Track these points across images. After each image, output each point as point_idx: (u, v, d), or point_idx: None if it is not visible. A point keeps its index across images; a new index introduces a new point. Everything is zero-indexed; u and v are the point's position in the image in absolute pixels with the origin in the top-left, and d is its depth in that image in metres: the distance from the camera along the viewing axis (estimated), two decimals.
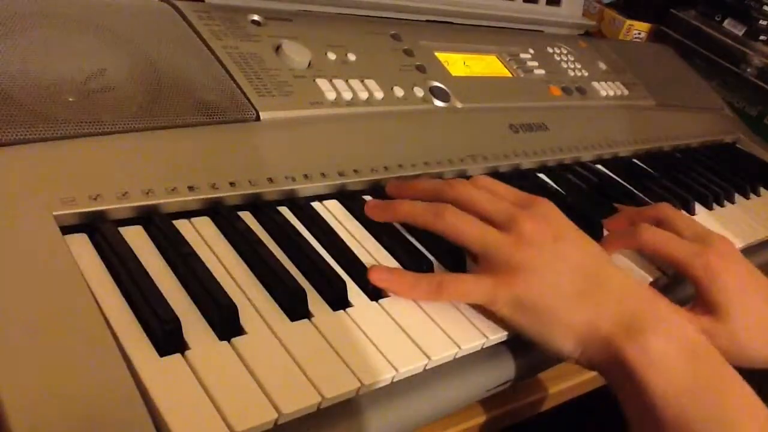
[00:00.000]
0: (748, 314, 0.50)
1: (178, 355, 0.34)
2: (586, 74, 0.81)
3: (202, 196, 0.43)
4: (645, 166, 0.76)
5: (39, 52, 0.44)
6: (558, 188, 0.64)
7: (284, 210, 0.47)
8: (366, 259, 0.45)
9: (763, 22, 1.04)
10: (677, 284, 0.57)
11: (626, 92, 0.83)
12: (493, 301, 0.42)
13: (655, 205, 0.59)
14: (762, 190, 0.82)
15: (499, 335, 0.43)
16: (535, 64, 0.76)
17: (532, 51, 0.78)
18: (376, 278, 0.42)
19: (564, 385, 0.50)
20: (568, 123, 0.72)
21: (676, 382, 0.39)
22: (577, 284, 0.42)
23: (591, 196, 0.64)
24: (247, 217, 0.45)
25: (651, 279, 0.56)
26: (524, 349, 0.46)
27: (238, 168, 0.45)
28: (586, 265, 0.43)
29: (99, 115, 0.43)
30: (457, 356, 0.41)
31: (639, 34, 1.11)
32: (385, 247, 0.47)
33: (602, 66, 0.85)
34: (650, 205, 0.60)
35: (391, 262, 0.46)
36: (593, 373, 0.52)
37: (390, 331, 0.40)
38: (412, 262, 0.46)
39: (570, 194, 0.63)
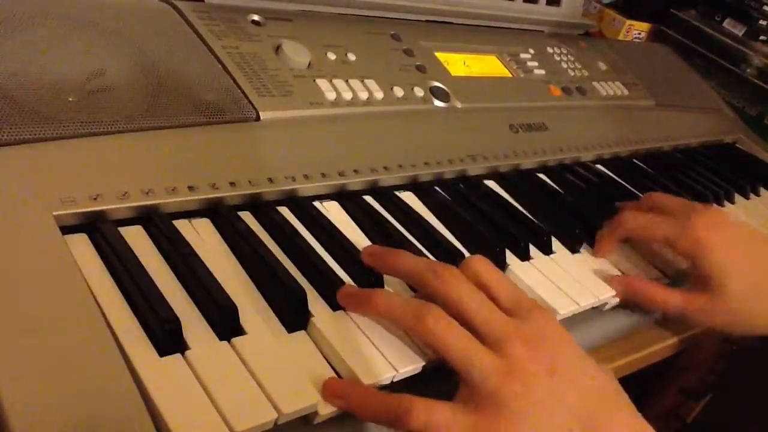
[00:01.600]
0: (743, 282, 0.50)
1: (177, 355, 0.34)
2: (586, 74, 0.81)
3: (202, 196, 0.43)
4: (645, 166, 0.76)
5: (39, 52, 0.44)
6: (558, 188, 0.64)
7: (284, 210, 0.47)
8: None
9: (763, 22, 1.04)
10: (677, 286, 0.57)
11: (626, 92, 0.83)
12: None
13: (644, 196, 0.59)
14: (762, 190, 0.82)
15: None
16: (535, 64, 0.76)
17: (532, 51, 0.78)
18: (328, 391, 0.36)
19: None
20: (568, 123, 0.72)
21: None
22: (571, 429, 0.35)
23: (591, 196, 0.64)
24: (247, 217, 0.45)
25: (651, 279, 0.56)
26: None
27: (238, 168, 0.45)
28: (583, 410, 0.36)
29: (99, 115, 0.43)
30: None
31: (639, 34, 1.11)
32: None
33: (602, 66, 0.85)
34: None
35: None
36: None
37: (390, 332, 0.40)
38: None
39: (570, 194, 0.63)
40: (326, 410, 0.35)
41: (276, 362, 0.35)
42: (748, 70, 1.03)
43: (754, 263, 0.52)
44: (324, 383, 0.36)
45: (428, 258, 0.47)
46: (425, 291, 0.40)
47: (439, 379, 0.38)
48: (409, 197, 0.54)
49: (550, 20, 0.86)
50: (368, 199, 0.52)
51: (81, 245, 0.38)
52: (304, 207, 0.48)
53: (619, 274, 0.55)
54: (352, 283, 0.43)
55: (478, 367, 0.35)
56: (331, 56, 0.58)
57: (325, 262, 0.43)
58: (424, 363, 0.39)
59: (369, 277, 0.43)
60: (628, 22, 1.09)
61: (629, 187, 0.70)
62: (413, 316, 0.37)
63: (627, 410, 0.38)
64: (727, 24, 1.08)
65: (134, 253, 0.38)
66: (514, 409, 0.34)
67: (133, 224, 0.41)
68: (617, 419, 0.37)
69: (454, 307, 0.38)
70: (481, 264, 0.41)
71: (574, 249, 0.55)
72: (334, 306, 0.41)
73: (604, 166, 0.72)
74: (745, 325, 0.51)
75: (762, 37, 1.04)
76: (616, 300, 0.52)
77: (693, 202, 0.56)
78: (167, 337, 0.34)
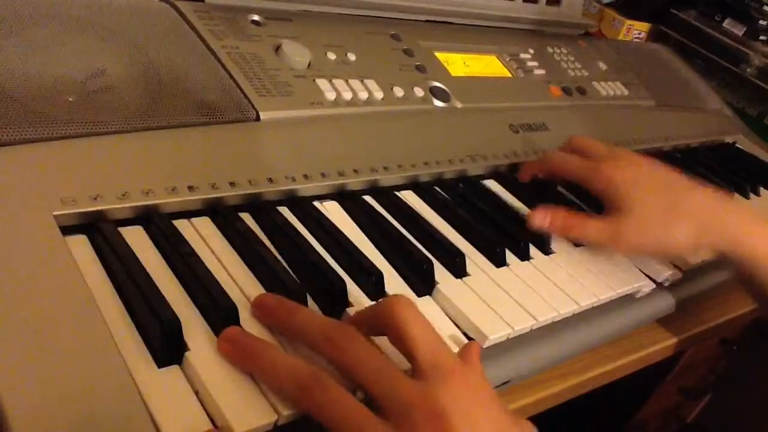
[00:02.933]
0: (651, 204, 0.53)
1: (177, 356, 0.34)
2: (586, 74, 0.81)
3: (202, 196, 0.43)
4: None
5: (39, 52, 0.44)
6: (558, 188, 0.64)
7: (284, 210, 0.47)
8: (366, 260, 0.45)
9: (763, 22, 1.04)
10: (690, 280, 0.59)
11: (626, 92, 0.83)
12: None
13: (568, 139, 0.62)
14: (762, 190, 0.82)
15: (501, 334, 0.43)
16: (535, 64, 0.76)
17: (532, 51, 0.78)
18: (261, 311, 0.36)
19: (564, 385, 0.50)
20: (568, 123, 0.72)
21: None
22: None
23: (591, 196, 0.64)
24: (246, 217, 0.45)
25: (664, 276, 0.56)
26: (524, 349, 0.46)
27: (238, 168, 0.45)
28: None
29: (99, 115, 0.43)
30: None
31: (639, 34, 1.11)
32: (384, 249, 0.47)
33: (602, 66, 0.85)
34: None
35: (390, 262, 0.46)
36: (593, 373, 0.52)
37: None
38: (411, 262, 0.46)
39: (570, 193, 0.63)
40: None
41: None
42: (748, 70, 1.03)
43: (660, 187, 0.54)
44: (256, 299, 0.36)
45: (428, 257, 0.47)
46: (322, 357, 0.34)
47: None
48: (409, 197, 0.54)
49: (550, 20, 0.86)
50: (368, 199, 0.52)
51: (81, 246, 0.38)
52: (304, 207, 0.48)
53: (627, 271, 0.55)
54: (352, 283, 0.43)
55: None
56: (331, 56, 0.58)
57: (325, 261, 0.43)
58: None
59: (370, 277, 0.43)
60: (628, 22, 1.09)
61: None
62: (298, 388, 0.32)
63: None
64: (727, 24, 1.08)
65: (134, 254, 0.38)
66: None
67: (133, 224, 0.41)
68: None
69: (351, 375, 0.33)
70: (401, 310, 0.34)
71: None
72: (334, 305, 0.41)
73: None
74: (667, 242, 0.53)
75: (762, 37, 1.04)
76: (617, 295, 0.52)
77: (611, 146, 0.60)
78: (167, 337, 0.34)
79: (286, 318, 0.36)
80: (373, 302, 0.42)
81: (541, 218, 0.53)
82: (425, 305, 0.44)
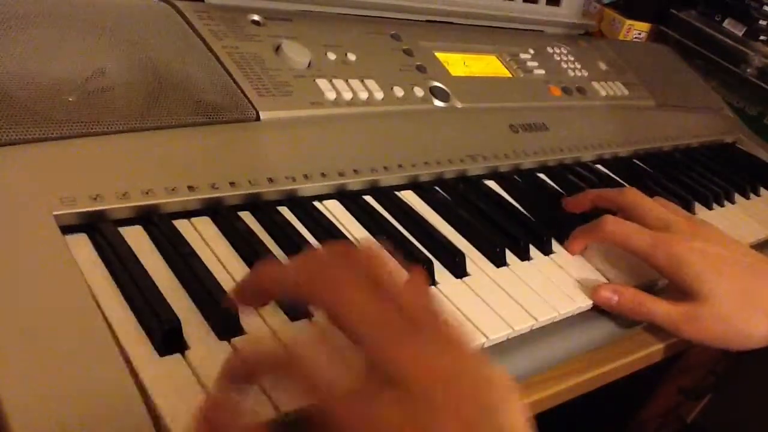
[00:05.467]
0: (728, 290, 0.48)
1: (177, 355, 0.34)
2: (586, 74, 0.81)
3: (202, 196, 0.43)
4: (645, 166, 0.76)
5: (39, 52, 0.44)
6: (558, 188, 0.64)
7: (284, 210, 0.47)
8: None
9: (763, 22, 1.04)
10: None
11: (626, 92, 0.83)
12: None
13: (619, 190, 0.56)
14: (762, 190, 0.82)
15: (501, 334, 0.43)
16: (535, 64, 0.76)
17: (532, 51, 0.78)
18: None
19: (564, 385, 0.50)
20: (568, 123, 0.72)
21: None
22: None
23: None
24: (247, 217, 0.45)
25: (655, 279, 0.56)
26: (524, 348, 0.46)
27: (238, 168, 0.45)
28: None
29: (99, 115, 0.43)
30: None
31: (639, 34, 1.11)
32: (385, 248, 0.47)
33: (602, 66, 0.85)
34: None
35: (390, 262, 0.46)
36: (593, 373, 0.52)
37: None
38: (410, 262, 0.46)
39: (570, 194, 0.63)
40: None
41: None
42: (748, 70, 1.03)
43: (741, 271, 0.50)
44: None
45: (428, 257, 0.46)
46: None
47: None
48: (409, 197, 0.54)
49: (550, 20, 0.86)
50: (368, 199, 0.52)
51: (81, 245, 0.38)
52: (304, 207, 0.48)
53: (627, 271, 0.54)
54: None
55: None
56: (331, 56, 0.58)
57: None
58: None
59: None
60: (628, 22, 1.09)
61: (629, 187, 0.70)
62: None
63: None
64: (727, 24, 1.08)
65: (134, 253, 0.38)
66: None
67: (133, 224, 0.41)
68: None
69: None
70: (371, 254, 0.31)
71: None
72: None
73: (604, 166, 0.72)
74: (741, 336, 0.49)
75: (762, 37, 1.04)
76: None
77: (672, 209, 0.54)
78: (167, 337, 0.34)
79: (254, 279, 0.31)
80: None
81: (608, 296, 0.50)
82: None
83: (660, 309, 0.49)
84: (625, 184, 0.70)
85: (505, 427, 0.27)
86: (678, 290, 0.50)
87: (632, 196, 0.54)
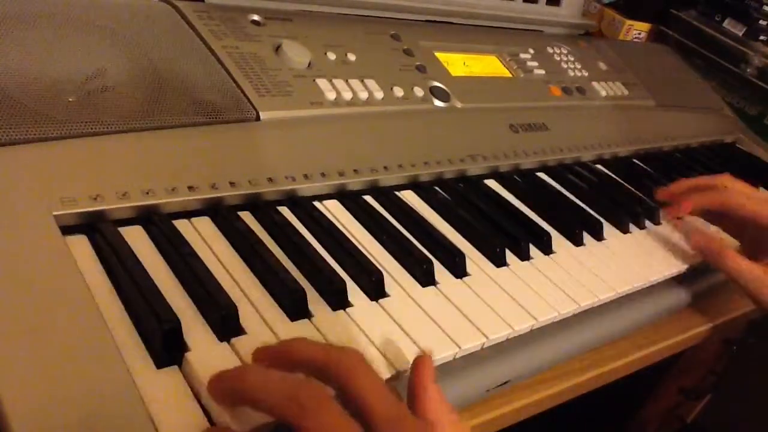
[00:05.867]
0: None
1: (177, 356, 0.34)
2: (586, 74, 0.81)
3: (202, 196, 0.43)
4: (645, 166, 0.76)
5: (39, 52, 0.44)
6: (558, 188, 0.64)
7: (284, 210, 0.47)
8: (366, 260, 0.45)
9: (763, 22, 1.04)
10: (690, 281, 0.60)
11: (626, 92, 0.83)
12: None
13: (714, 176, 0.64)
14: (762, 190, 0.82)
15: (501, 334, 0.43)
16: (535, 64, 0.76)
17: (532, 51, 0.78)
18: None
19: (564, 385, 0.50)
20: (568, 123, 0.72)
21: None
22: None
23: (591, 196, 0.64)
24: (247, 217, 0.45)
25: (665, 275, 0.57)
26: (524, 349, 0.46)
27: (238, 168, 0.45)
28: None
29: (99, 115, 0.43)
30: (456, 356, 0.41)
31: (639, 34, 1.11)
32: (385, 248, 0.47)
33: (602, 66, 0.85)
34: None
35: (391, 262, 0.46)
36: (593, 373, 0.52)
37: (390, 331, 0.40)
38: (411, 262, 0.46)
39: (570, 194, 0.64)
40: None
41: None
42: (748, 70, 1.03)
43: None
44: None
45: (428, 257, 0.47)
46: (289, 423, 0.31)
47: None
48: (409, 197, 0.54)
49: (550, 20, 0.86)
50: (368, 198, 0.52)
51: (81, 246, 0.38)
52: (304, 207, 0.48)
53: (627, 272, 0.55)
54: (352, 283, 0.43)
55: None
56: (331, 56, 0.58)
57: (325, 261, 0.43)
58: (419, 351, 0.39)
59: (370, 277, 0.43)
60: (628, 22, 1.09)
61: (629, 187, 0.70)
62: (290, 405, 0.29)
63: None
64: (727, 24, 1.08)
65: (134, 254, 0.38)
66: None
67: (133, 224, 0.41)
68: None
69: None
70: (354, 367, 0.32)
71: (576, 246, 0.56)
72: (334, 306, 0.41)
73: (604, 166, 0.72)
74: None
75: (762, 37, 1.04)
76: (617, 296, 0.52)
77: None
78: (167, 337, 0.34)
79: (237, 382, 0.31)
80: (374, 302, 0.42)
81: (698, 239, 0.58)
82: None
83: (745, 263, 0.57)
84: (625, 184, 0.70)
85: None
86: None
87: (728, 178, 0.63)
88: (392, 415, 0.31)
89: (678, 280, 0.60)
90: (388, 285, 0.44)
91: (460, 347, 0.41)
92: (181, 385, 0.33)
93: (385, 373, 0.37)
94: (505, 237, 0.53)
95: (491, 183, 0.61)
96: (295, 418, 0.29)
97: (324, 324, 0.39)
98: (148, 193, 0.41)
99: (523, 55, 0.76)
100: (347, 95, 0.56)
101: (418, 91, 0.61)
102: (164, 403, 0.31)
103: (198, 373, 0.33)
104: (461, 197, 0.56)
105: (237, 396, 0.31)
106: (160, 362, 0.33)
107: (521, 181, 0.63)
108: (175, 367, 0.33)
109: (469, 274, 0.48)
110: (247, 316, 0.37)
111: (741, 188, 0.62)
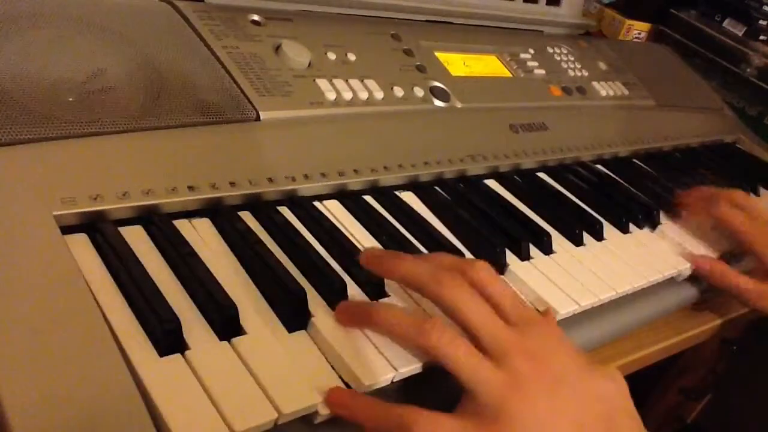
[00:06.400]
0: None
1: (177, 355, 0.34)
2: (586, 74, 0.81)
3: (202, 196, 0.43)
4: (645, 166, 0.76)
5: (39, 52, 0.44)
6: (558, 188, 0.64)
7: (284, 210, 0.47)
8: None
9: (763, 22, 1.04)
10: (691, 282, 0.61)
11: (626, 92, 0.83)
12: None
13: (729, 190, 0.66)
14: (762, 190, 0.82)
15: None
16: (535, 64, 0.76)
17: (532, 51, 0.78)
18: (331, 401, 0.35)
19: None
20: (568, 123, 0.72)
21: None
22: None
23: (591, 196, 0.64)
24: (247, 217, 0.45)
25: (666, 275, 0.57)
26: None
27: (238, 168, 0.45)
28: (589, 425, 0.36)
29: (99, 115, 0.43)
30: None
31: (639, 34, 1.11)
32: (385, 248, 0.47)
33: (602, 66, 0.85)
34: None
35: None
36: None
37: None
38: None
39: (570, 194, 0.64)
40: (326, 410, 0.35)
41: (276, 362, 0.35)
42: (748, 70, 1.03)
43: None
44: (328, 392, 0.35)
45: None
46: (426, 296, 0.39)
47: (438, 378, 0.38)
48: (409, 197, 0.54)
49: (550, 20, 0.86)
50: (368, 198, 0.52)
51: (81, 245, 0.38)
52: (304, 207, 0.48)
53: (627, 271, 0.55)
54: (352, 283, 0.43)
55: (483, 380, 0.35)
56: (331, 56, 0.58)
57: (325, 261, 0.43)
58: (422, 363, 0.39)
59: (370, 277, 0.43)
60: (628, 22, 1.09)
61: (629, 187, 0.70)
62: (416, 332, 0.37)
63: (633, 429, 0.38)
64: (727, 24, 1.08)
65: (134, 253, 0.38)
66: (516, 427, 0.35)
67: (133, 224, 0.41)
68: (614, 427, 0.37)
69: (455, 315, 0.38)
70: (484, 271, 0.40)
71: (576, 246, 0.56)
72: (334, 305, 0.41)
73: (604, 166, 0.72)
74: None
75: (762, 37, 1.04)
76: (617, 296, 0.52)
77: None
78: (167, 337, 0.34)
79: (395, 264, 0.40)
80: (373, 302, 0.42)
81: (703, 263, 0.60)
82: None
83: (742, 280, 0.60)
84: (625, 184, 0.70)
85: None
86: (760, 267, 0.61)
87: (740, 195, 0.66)
88: (522, 310, 0.40)
89: (678, 280, 0.60)
90: (389, 285, 0.44)
91: None
92: (186, 375, 0.33)
93: (385, 375, 0.37)
94: (505, 237, 0.53)
95: (491, 183, 0.61)
96: (435, 288, 0.38)
97: (324, 324, 0.39)
98: (148, 193, 0.41)
99: (523, 55, 0.76)
100: (347, 95, 0.56)
101: (418, 91, 0.61)
102: (170, 394, 0.31)
103: (198, 372, 0.33)
104: (461, 197, 0.56)
105: (386, 269, 0.41)
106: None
107: (521, 181, 0.63)
108: (178, 355, 0.33)
109: None
110: (247, 316, 0.37)
111: (749, 207, 0.64)
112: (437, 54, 0.67)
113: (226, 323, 0.36)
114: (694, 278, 0.61)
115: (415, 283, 0.40)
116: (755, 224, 0.62)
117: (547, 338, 0.38)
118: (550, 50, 0.80)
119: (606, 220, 0.60)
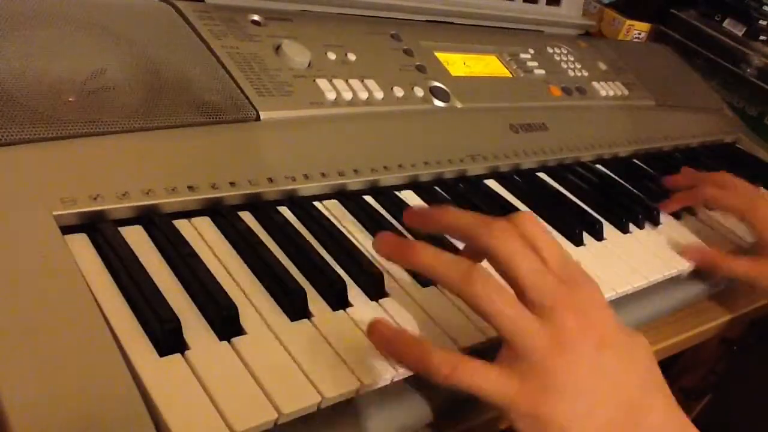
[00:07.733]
0: None
1: (178, 355, 0.34)
2: (586, 74, 0.81)
3: (202, 196, 0.43)
4: (645, 166, 0.76)
5: (39, 52, 0.44)
6: (558, 188, 0.64)
7: (284, 210, 0.47)
8: (366, 260, 0.45)
9: (763, 22, 1.04)
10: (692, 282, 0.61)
11: (626, 92, 0.83)
12: (508, 409, 0.35)
13: (712, 173, 0.68)
14: (762, 190, 0.82)
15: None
16: (535, 64, 0.76)
17: (532, 51, 0.78)
18: (376, 339, 0.37)
19: None
20: (568, 123, 0.72)
21: None
22: (611, 412, 0.35)
23: (591, 196, 0.64)
24: (247, 217, 0.45)
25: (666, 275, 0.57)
26: None
27: (238, 168, 0.45)
28: (625, 392, 0.36)
29: (99, 115, 0.43)
30: None
31: (639, 34, 1.11)
32: None
33: (602, 66, 0.85)
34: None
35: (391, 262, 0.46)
36: None
37: None
38: None
39: (570, 194, 0.64)
40: (332, 394, 0.35)
41: (276, 362, 0.35)
42: (748, 70, 1.03)
43: None
44: (372, 324, 0.37)
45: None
46: (474, 245, 0.38)
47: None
48: (409, 197, 0.54)
49: (550, 20, 0.86)
50: (368, 198, 0.52)
51: (81, 245, 0.38)
52: (304, 207, 0.48)
53: (627, 271, 0.55)
54: (352, 283, 0.43)
55: (526, 333, 0.35)
56: (331, 56, 0.58)
57: (325, 261, 0.43)
58: None
59: (370, 277, 0.43)
60: (628, 22, 1.09)
61: (629, 187, 0.70)
62: (460, 277, 0.35)
63: (665, 398, 0.38)
64: (727, 24, 1.08)
65: (134, 253, 0.38)
66: (557, 383, 0.34)
67: (133, 224, 0.41)
68: (656, 407, 0.37)
69: (503, 264, 0.36)
70: (532, 222, 0.38)
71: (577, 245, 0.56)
72: (334, 306, 0.41)
73: (604, 166, 0.72)
74: None
75: (762, 37, 1.04)
76: (617, 296, 0.52)
77: (756, 187, 0.67)
78: (167, 337, 0.34)
79: (442, 216, 0.39)
80: (373, 302, 0.42)
81: (694, 253, 0.60)
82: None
83: (739, 264, 0.60)
84: (625, 184, 0.70)
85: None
86: (761, 245, 0.61)
87: (726, 175, 0.67)
88: (568, 267, 0.38)
89: (678, 280, 0.60)
90: (389, 285, 0.44)
91: (460, 346, 0.41)
92: (186, 375, 0.33)
93: (386, 374, 0.37)
94: None
95: (491, 183, 0.61)
96: (484, 236, 0.37)
97: (324, 324, 0.39)
98: (148, 193, 0.41)
99: (523, 55, 0.76)
100: (347, 95, 0.56)
101: (418, 91, 0.61)
102: (169, 394, 0.31)
103: (198, 372, 0.33)
104: (461, 197, 0.56)
105: (432, 223, 0.41)
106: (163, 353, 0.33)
107: (521, 181, 0.63)
108: (178, 355, 0.33)
109: None
110: (247, 316, 0.37)
111: (734, 185, 0.65)
112: (437, 54, 0.67)
113: (225, 323, 0.36)
114: (694, 278, 0.61)
115: (464, 231, 0.38)
116: (745, 200, 0.63)
117: (593, 297, 0.37)
118: (550, 50, 0.80)
119: (606, 220, 0.60)
